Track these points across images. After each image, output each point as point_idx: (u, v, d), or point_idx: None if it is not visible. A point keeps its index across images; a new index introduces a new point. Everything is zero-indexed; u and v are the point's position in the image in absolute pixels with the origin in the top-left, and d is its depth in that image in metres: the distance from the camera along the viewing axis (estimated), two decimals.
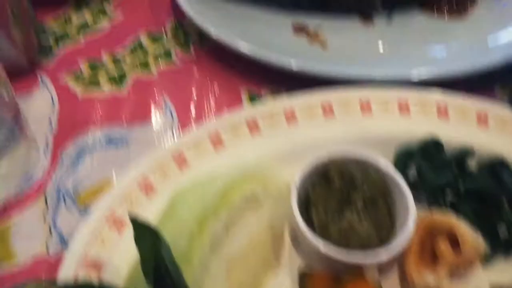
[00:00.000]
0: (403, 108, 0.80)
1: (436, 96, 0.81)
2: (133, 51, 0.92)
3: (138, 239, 0.54)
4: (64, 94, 0.85)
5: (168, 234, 0.59)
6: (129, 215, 0.55)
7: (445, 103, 0.80)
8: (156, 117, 0.83)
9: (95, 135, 0.80)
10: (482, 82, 0.88)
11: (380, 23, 0.98)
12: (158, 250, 0.53)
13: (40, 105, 0.83)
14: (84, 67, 0.89)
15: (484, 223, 0.70)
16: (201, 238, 0.59)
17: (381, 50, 0.93)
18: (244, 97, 0.87)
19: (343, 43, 0.94)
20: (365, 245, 0.65)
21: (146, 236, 0.55)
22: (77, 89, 0.86)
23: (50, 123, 0.81)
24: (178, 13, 0.94)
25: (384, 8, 0.98)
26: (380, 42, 0.94)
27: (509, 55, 0.87)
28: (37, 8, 0.93)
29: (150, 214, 0.66)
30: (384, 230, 0.67)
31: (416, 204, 0.73)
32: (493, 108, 0.80)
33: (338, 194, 0.68)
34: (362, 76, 0.83)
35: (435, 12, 1.00)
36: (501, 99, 0.88)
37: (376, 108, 0.80)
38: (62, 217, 0.71)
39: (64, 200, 0.73)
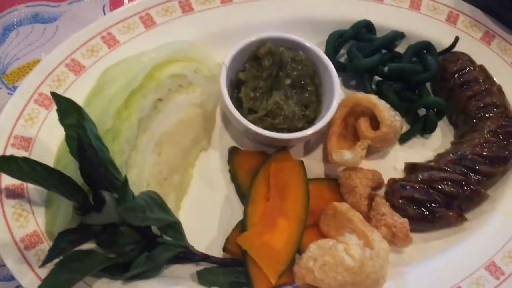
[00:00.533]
0: None
1: None
2: None
3: (61, 115, 0.55)
4: None
5: (95, 111, 0.60)
6: (51, 92, 0.55)
7: None
8: None
9: (20, 10, 0.76)
10: None
11: None
12: (82, 125, 0.54)
13: None
14: None
15: (405, 103, 0.75)
16: (127, 114, 0.60)
17: None
18: None
19: None
20: (291, 123, 0.68)
21: (70, 112, 0.55)
22: None
23: None
24: None
25: None
26: None
27: None
28: None
29: (79, 92, 0.66)
30: (311, 109, 0.70)
31: (344, 87, 0.77)
32: None
33: (267, 74, 0.69)
34: None
35: None
36: None
37: None
38: None
39: None
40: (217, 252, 0.63)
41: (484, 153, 0.68)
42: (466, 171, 0.68)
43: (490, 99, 0.72)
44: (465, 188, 0.66)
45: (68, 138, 0.55)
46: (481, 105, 0.72)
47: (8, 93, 0.71)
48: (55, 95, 0.55)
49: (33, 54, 0.74)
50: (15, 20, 0.76)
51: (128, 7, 0.72)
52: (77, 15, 0.77)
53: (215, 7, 0.75)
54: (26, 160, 0.52)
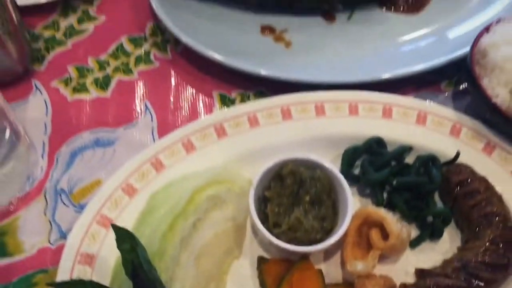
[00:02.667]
0: (353, 109, 0.91)
1: (383, 98, 0.92)
2: (115, 54, 1.02)
3: (118, 242, 0.68)
4: (55, 97, 0.96)
5: (144, 234, 0.73)
6: (111, 224, 0.68)
7: (390, 104, 0.91)
8: (138, 119, 0.94)
9: (84, 136, 0.92)
10: (431, 77, 0.99)
11: (341, 19, 1.07)
12: (135, 251, 0.67)
13: (35, 109, 0.94)
14: (72, 71, 1.00)
15: (414, 212, 0.84)
16: (171, 237, 0.72)
17: (340, 48, 1.02)
18: (216, 98, 0.98)
19: (306, 41, 1.03)
20: (310, 235, 0.78)
21: (125, 239, 0.68)
22: (66, 92, 0.97)
23: (45, 126, 0.93)
24: (156, 17, 1.03)
25: (344, 6, 1.06)
26: (339, 40, 1.04)
27: (456, 54, 0.97)
28: (28, 16, 1.02)
29: (132, 212, 0.80)
30: (328, 221, 0.81)
31: (359, 196, 0.88)
32: (433, 108, 0.91)
33: (289, 192, 0.81)
34: (318, 81, 0.94)
35: (392, 8, 1.08)
36: (446, 94, 0.99)
37: (329, 110, 0.91)
38: (60, 212, 0.85)
39: (61, 197, 0.86)
40: None
41: (486, 261, 0.76)
42: (469, 277, 0.76)
43: (490, 209, 0.80)
44: None
45: (124, 262, 0.67)
46: (483, 214, 0.80)
47: (75, 211, 0.85)
48: (114, 226, 0.68)
49: (95, 175, 0.88)
50: (80, 146, 0.91)
51: (173, 135, 0.86)
52: (131, 139, 0.92)
53: (245, 131, 0.88)
54: (92, 283, 0.64)
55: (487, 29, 0.92)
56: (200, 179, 0.79)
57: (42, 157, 0.90)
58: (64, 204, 0.86)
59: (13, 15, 0.91)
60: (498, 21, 0.92)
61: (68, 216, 0.84)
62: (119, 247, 0.68)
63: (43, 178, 0.88)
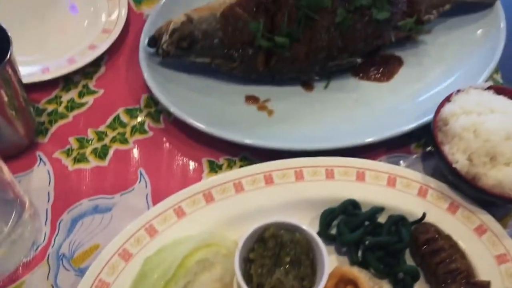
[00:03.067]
0: (329, 174, 1.00)
1: (356, 163, 1.01)
2: (113, 125, 1.12)
3: None
4: (57, 168, 1.05)
5: None
6: None
7: (363, 169, 1.00)
8: (133, 186, 1.03)
9: (84, 204, 1.01)
10: (401, 140, 1.09)
11: (319, 88, 1.18)
12: None
13: (39, 179, 1.03)
14: (73, 142, 1.09)
15: (386, 269, 0.92)
16: None
17: (317, 115, 1.13)
18: (205, 163, 1.07)
19: (287, 109, 1.14)
20: None
21: None
22: (68, 162, 1.06)
23: (48, 195, 1.01)
24: (149, 90, 1.13)
25: (321, 76, 1.17)
26: (316, 107, 1.14)
27: (422, 120, 1.06)
28: (32, 92, 1.12)
29: (128, 276, 0.87)
30: (307, 280, 0.88)
31: (336, 255, 0.95)
32: (402, 172, 1.00)
33: (271, 253, 0.89)
34: (297, 148, 1.03)
35: (365, 77, 1.19)
36: (415, 155, 1.08)
37: (307, 175, 1.00)
38: (61, 276, 0.92)
39: (62, 262, 0.94)
40: None
41: None
42: None
43: (454, 266, 0.88)
44: None
45: None
46: (447, 271, 0.88)
47: (75, 275, 0.92)
48: None
49: (94, 240, 0.96)
50: (80, 212, 0.99)
51: (165, 202, 0.95)
52: (127, 204, 1.01)
53: (231, 196, 0.97)
54: None
55: (448, 98, 1.02)
56: (190, 244, 0.87)
57: (46, 224, 0.98)
58: (66, 268, 0.93)
59: (20, 93, 1.01)
60: (458, 92, 1.02)
61: (69, 280, 0.92)
62: None
63: (46, 244, 0.96)
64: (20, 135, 1.04)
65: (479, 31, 1.23)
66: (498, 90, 1.02)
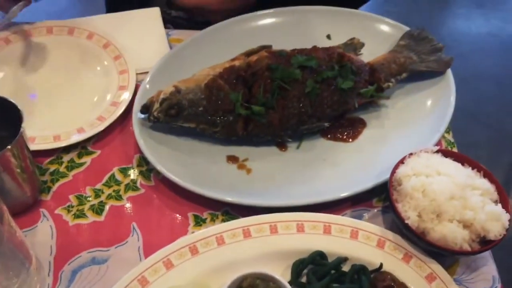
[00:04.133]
0: (300, 228, 1.14)
1: (324, 218, 1.15)
2: (108, 183, 1.25)
3: None
4: (59, 223, 1.18)
5: None
6: None
7: (329, 223, 1.15)
8: (127, 239, 1.16)
9: (83, 256, 1.13)
10: (364, 196, 1.23)
11: (292, 148, 1.33)
12: None
13: (43, 234, 1.16)
14: (72, 199, 1.22)
15: None
16: None
17: (290, 173, 1.28)
18: (190, 218, 1.20)
19: (263, 167, 1.29)
20: None
21: None
22: (68, 218, 1.19)
23: (51, 248, 1.14)
24: (141, 151, 1.27)
25: (293, 138, 1.33)
26: (290, 166, 1.29)
27: (382, 179, 1.21)
28: (36, 155, 1.26)
29: None
30: None
31: None
32: (363, 226, 1.15)
33: None
34: (272, 204, 1.18)
35: (333, 138, 1.35)
36: (376, 209, 1.23)
37: (281, 228, 1.14)
38: None
39: None
40: None
41: None
42: None
43: None
44: None
45: None
46: None
47: None
48: None
49: None
50: (80, 264, 1.12)
51: (155, 255, 1.08)
52: (121, 256, 1.13)
53: (213, 249, 1.10)
54: None
55: (402, 161, 1.17)
56: None
57: (49, 275, 1.10)
58: None
59: (27, 157, 1.14)
60: (410, 155, 1.18)
61: None
62: None
63: None
64: (26, 194, 1.17)
65: (431, 97, 1.40)
66: (445, 153, 1.18)
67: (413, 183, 1.11)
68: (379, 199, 1.25)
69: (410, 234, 1.09)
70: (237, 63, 1.32)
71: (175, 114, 1.29)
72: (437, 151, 1.18)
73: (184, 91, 1.29)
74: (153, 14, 1.63)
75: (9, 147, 1.05)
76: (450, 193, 1.08)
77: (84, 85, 1.45)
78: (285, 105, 1.28)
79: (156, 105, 1.29)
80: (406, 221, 1.09)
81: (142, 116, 1.31)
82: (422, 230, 1.08)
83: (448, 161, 1.16)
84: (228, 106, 1.28)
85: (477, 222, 1.06)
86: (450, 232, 1.06)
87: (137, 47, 1.53)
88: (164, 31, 1.59)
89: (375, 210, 1.24)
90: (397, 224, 1.14)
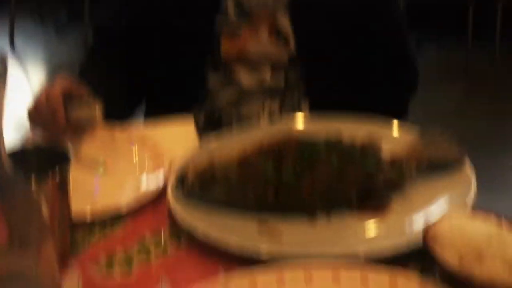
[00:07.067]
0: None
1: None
2: (139, 248, 1.25)
3: None
4: (87, 282, 1.15)
5: None
6: None
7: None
8: None
9: None
10: None
11: (321, 220, 1.35)
12: None
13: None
14: (102, 259, 1.21)
15: None
16: None
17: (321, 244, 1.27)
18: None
19: (293, 237, 1.29)
20: None
21: None
22: (96, 277, 1.16)
23: None
24: (172, 217, 1.30)
25: (323, 211, 1.36)
26: (319, 236, 1.30)
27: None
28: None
29: None
30: None
31: None
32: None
33: None
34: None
35: (361, 212, 1.37)
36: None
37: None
38: None
39: None
40: None
41: None
42: None
43: None
44: None
45: None
46: None
47: None
48: None
49: None
50: None
51: None
52: None
53: None
54: None
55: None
56: None
57: None
58: None
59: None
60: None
61: None
62: None
63: None
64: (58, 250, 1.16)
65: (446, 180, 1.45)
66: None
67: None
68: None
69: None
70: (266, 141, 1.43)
71: (208, 188, 1.35)
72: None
73: (217, 167, 1.38)
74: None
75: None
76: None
77: None
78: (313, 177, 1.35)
79: (191, 179, 1.36)
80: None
81: (176, 187, 1.37)
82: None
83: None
84: (258, 182, 1.35)
85: None
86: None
87: None
88: None
89: None
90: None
